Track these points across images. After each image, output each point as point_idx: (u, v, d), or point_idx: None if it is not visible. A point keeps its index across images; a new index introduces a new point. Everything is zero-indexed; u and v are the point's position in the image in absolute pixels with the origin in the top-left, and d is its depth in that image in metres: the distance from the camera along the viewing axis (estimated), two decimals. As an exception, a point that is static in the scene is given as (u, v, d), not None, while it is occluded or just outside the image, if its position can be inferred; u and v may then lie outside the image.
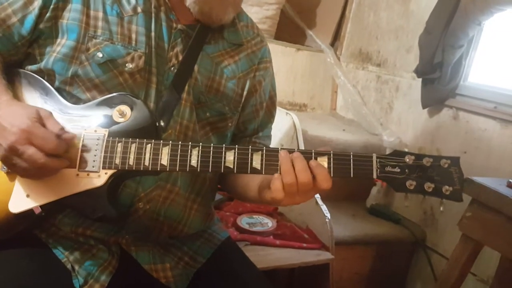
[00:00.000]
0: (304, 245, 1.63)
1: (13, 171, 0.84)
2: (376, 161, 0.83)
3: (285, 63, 2.61)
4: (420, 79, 2.18)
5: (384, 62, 2.55)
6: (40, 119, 0.82)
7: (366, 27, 2.68)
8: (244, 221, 1.68)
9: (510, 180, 1.49)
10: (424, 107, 2.19)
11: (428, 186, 0.84)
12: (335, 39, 2.86)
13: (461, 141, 2.06)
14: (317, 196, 1.73)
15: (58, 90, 0.92)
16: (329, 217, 1.66)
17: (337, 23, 2.83)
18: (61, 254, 0.93)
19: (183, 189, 1.01)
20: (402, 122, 2.36)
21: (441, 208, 0.85)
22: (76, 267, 0.92)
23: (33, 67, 0.94)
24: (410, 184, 0.84)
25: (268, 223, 1.70)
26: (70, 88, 0.92)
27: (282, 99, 2.62)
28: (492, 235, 1.48)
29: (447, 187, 0.84)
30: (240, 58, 1.06)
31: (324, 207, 1.69)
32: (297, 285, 1.76)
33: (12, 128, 0.79)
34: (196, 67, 0.99)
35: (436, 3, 2.08)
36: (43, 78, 0.93)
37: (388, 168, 0.84)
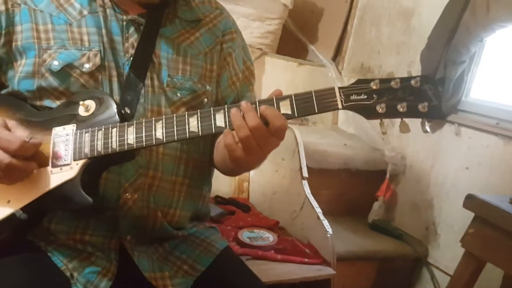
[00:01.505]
0: (306, 260, 1.61)
1: None
2: (339, 92, 0.81)
3: (286, 78, 2.61)
4: (422, 95, 2.18)
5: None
6: (6, 126, 0.86)
7: (368, 42, 2.69)
8: (245, 235, 1.67)
9: (513, 197, 1.48)
10: (426, 122, 2.19)
11: (401, 106, 0.79)
12: (337, 54, 2.87)
13: (463, 157, 2.05)
14: (319, 211, 1.73)
15: (31, 105, 0.96)
16: (331, 233, 1.65)
17: (339, 38, 2.85)
18: (60, 262, 0.94)
19: (167, 174, 1.02)
20: (403, 137, 2.36)
21: (427, 128, 0.79)
22: (75, 275, 0.93)
23: (4, 92, 0.99)
24: (381, 108, 0.79)
25: (269, 237, 1.69)
26: (40, 101, 0.97)
27: (283, 113, 2.62)
28: (495, 252, 1.47)
29: (423, 104, 0.78)
30: (202, 33, 1.08)
31: (325, 222, 1.68)
32: (298, 301, 1.75)
33: None
34: (157, 52, 1.01)
35: (438, 19, 2.09)
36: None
37: (354, 97, 0.80)
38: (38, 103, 0.97)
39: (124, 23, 1.01)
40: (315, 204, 1.75)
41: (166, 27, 1.04)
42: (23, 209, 0.89)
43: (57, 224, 0.97)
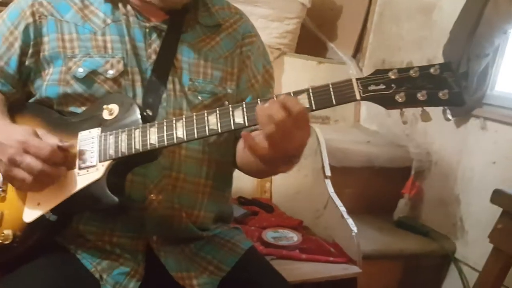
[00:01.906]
0: (331, 259, 1.61)
1: (15, 185, 0.91)
2: (357, 83, 0.81)
3: (306, 77, 2.60)
4: (445, 89, 2.15)
5: (407, 72, 2.52)
6: (36, 134, 0.89)
7: (388, 38, 2.67)
8: (269, 235, 1.68)
9: (542, 191, 1.45)
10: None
11: (421, 95, 0.77)
12: (357, 51, 2.85)
13: (490, 152, 2.02)
14: (343, 209, 1.72)
15: (57, 111, 1.01)
16: (356, 231, 1.64)
17: (359, 35, 2.82)
18: (89, 264, 0.98)
19: (190, 175, 1.04)
20: (428, 133, 2.33)
21: (449, 116, 0.78)
22: (104, 276, 0.96)
23: (32, 100, 1.04)
24: (400, 97, 0.78)
25: (294, 237, 1.69)
26: (66, 107, 1.00)
27: (305, 112, 2.61)
28: (525, 247, 1.44)
29: (443, 91, 0.76)
30: (222, 38, 1.10)
31: (350, 221, 1.67)
32: (323, 300, 1.74)
33: (9, 142, 0.87)
34: (178, 57, 1.04)
35: (459, 13, 2.06)
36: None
37: (372, 87, 0.80)
38: (64, 109, 1.01)
39: (147, 30, 1.04)
40: (338, 202, 1.75)
41: (187, 32, 1.07)
42: (53, 210, 0.92)
43: (86, 225, 1.00)
